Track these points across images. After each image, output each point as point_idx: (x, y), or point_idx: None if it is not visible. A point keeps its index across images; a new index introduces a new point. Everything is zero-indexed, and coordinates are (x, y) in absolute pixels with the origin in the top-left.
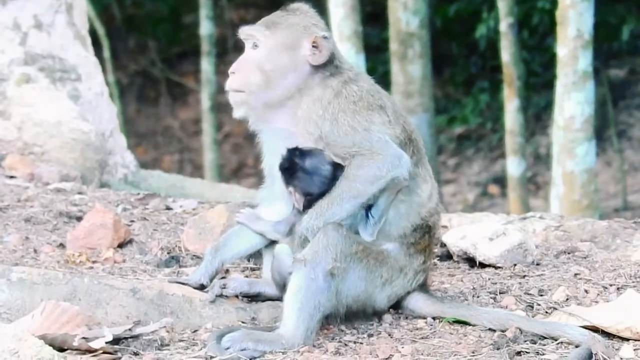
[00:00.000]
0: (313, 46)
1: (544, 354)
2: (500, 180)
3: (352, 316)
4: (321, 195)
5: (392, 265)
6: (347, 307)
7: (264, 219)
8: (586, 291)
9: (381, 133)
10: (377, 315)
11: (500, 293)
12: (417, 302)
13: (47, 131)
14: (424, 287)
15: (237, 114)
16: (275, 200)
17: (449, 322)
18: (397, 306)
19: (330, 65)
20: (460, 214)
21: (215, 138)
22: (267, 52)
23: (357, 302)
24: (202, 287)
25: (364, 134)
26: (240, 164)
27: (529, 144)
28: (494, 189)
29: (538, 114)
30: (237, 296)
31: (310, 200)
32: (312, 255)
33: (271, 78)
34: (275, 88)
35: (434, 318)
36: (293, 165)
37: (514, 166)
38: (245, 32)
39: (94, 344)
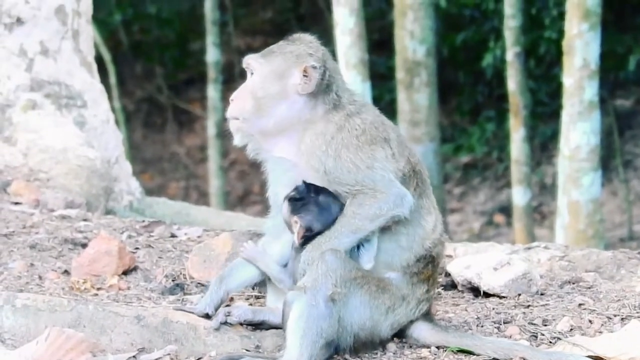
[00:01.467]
0: (304, 75)
1: None
2: (506, 210)
3: (357, 345)
4: (319, 233)
5: (394, 293)
6: (354, 336)
7: (268, 256)
8: (590, 321)
9: (384, 170)
10: (382, 344)
11: (504, 323)
12: (421, 331)
13: (52, 157)
14: (428, 316)
15: (235, 141)
16: (282, 231)
17: (453, 351)
18: (401, 335)
19: (330, 95)
20: (465, 243)
21: (221, 165)
22: (260, 80)
23: (362, 329)
24: (207, 317)
25: (366, 172)
26: (246, 191)
27: (535, 173)
28: (499, 218)
29: (544, 144)
30: (241, 324)
31: (308, 237)
32: (311, 282)
33: (262, 105)
34: (268, 116)
35: (438, 347)
36: (306, 196)
37: (519, 195)
38: (245, 61)
39: None
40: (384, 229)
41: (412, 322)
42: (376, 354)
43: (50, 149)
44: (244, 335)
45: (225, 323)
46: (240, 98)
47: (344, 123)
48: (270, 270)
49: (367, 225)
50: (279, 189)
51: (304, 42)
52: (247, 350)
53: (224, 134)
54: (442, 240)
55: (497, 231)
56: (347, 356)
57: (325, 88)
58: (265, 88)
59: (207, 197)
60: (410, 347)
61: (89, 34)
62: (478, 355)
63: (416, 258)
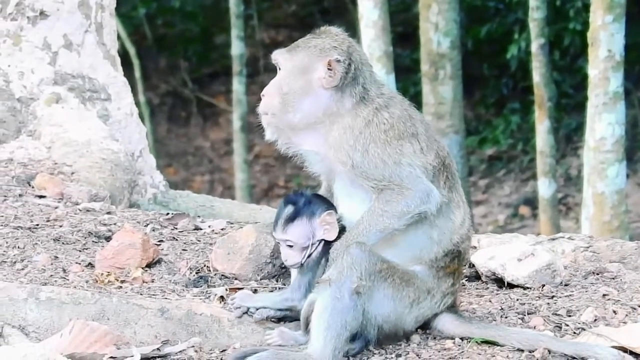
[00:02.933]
0: (328, 69)
1: None
2: (531, 202)
3: (381, 337)
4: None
5: (419, 287)
6: (378, 328)
7: (259, 294)
8: (614, 312)
9: (412, 166)
10: (406, 336)
11: (528, 314)
12: (445, 322)
13: (76, 151)
14: (452, 308)
15: (266, 136)
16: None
17: (477, 342)
18: (425, 326)
19: (357, 88)
20: (490, 234)
21: (246, 158)
22: (286, 75)
23: (386, 322)
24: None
25: (394, 168)
26: (271, 184)
27: (560, 165)
28: (524, 210)
29: (569, 135)
30: (264, 320)
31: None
32: (336, 275)
33: (288, 100)
34: (294, 111)
35: (462, 338)
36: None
37: (544, 187)
38: (273, 56)
39: None
40: (415, 222)
41: (436, 315)
42: (400, 345)
43: (74, 143)
44: (268, 327)
45: (249, 316)
46: (269, 94)
47: (372, 117)
48: (269, 303)
49: (395, 223)
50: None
51: (330, 35)
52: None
53: (249, 128)
54: (469, 235)
55: (522, 223)
56: (371, 348)
57: (351, 81)
58: (290, 83)
59: (232, 191)
60: (434, 338)
61: (112, 27)
62: (502, 346)
63: (444, 252)
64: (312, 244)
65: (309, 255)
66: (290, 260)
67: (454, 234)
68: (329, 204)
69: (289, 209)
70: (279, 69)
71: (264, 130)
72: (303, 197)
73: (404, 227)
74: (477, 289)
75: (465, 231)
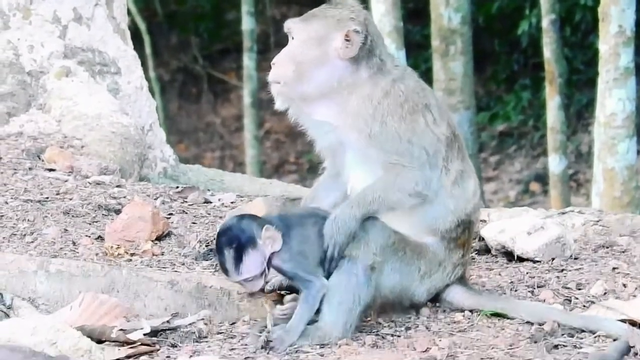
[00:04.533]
0: (346, 39)
1: (581, 347)
2: (542, 178)
3: (391, 309)
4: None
5: (430, 259)
6: (388, 300)
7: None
8: (624, 285)
9: (421, 149)
10: (415, 308)
11: (538, 287)
12: (455, 294)
13: (86, 124)
14: (462, 280)
15: (276, 105)
16: (336, 180)
17: (486, 315)
18: (434, 299)
19: (374, 60)
20: (500, 208)
21: (256, 135)
22: (300, 44)
23: (397, 295)
24: None
25: (406, 146)
26: (281, 160)
27: (571, 141)
28: (535, 186)
29: (580, 111)
30: (275, 290)
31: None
32: (353, 250)
33: (303, 70)
34: (309, 81)
35: (471, 311)
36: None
37: (555, 163)
38: (285, 25)
39: (132, 336)
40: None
41: (447, 286)
42: (409, 318)
43: (84, 116)
44: (278, 300)
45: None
46: (281, 62)
47: (389, 88)
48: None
49: (406, 201)
50: (320, 151)
51: (346, 6)
52: (281, 317)
53: (259, 104)
54: (480, 206)
55: (533, 199)
56: (380, 320)
57: (367, 53)
58: (305, 52)
59: (243, 167)
60: (444, 311)
61: (122, 1)
62: (512, 318)
63: (457, 222)
64: (266, 264)
65: (269, 269)
66: (255, 287)
67: (468, 203)
68: (257, 219)
69: (229, 252)
70: (292, 38)
71: (273, 100)
72: (232, 231)
73: (409, 207)
74: (486, 262)
75: (477, 201)
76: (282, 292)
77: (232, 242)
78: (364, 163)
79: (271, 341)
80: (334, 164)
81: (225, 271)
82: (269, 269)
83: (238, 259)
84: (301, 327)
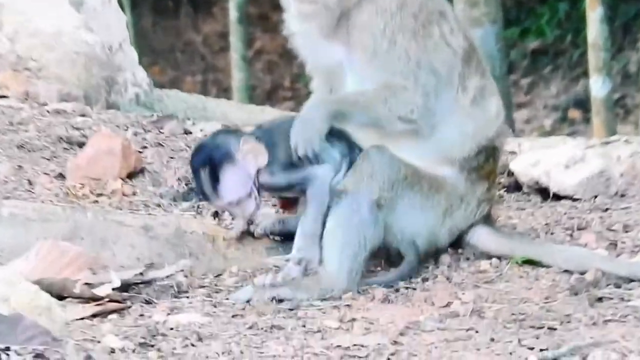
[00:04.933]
0: None
1: (629, 300)
2: (583, 103)
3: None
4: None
5: (450, 193)
6: (412, 245)
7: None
8: None
9: (430, 74)
10: (434, 254)
11: (578, 229)
12: (480, 236)
13: (44, 43)
14: (488, 220)
15: (294, 24)
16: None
17: (517, 263)
18: (456, 244)
19: None
20: (532, 138)
21: (244, 55)
22: None
23: (418, 237)
24: None
25: (413, 68)
26: (274, 85)
27: (616, 60)
28: (574, 113)
29: (627, 25)
30: (267, 235)
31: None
32: (354, 184)
33: None
34: None
35: (499, 258)
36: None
37: (597, 86)
38: None
39: (99, 291)
40: (445, 112)
41: (471, 226)
42: (427, 267)
43: (42, 33)
44: (271, 247)
45: (249, 234)
46: None
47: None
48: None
49: (390, 124)
50: (314, 58)
51: None
52: (275, 266)
53: (248, 19)
54: (504, 129)
55: (572, 129)
56: (392, 269)
57: None
58: None
59: (229, 93)
60: (467, 258)
61: None
62: (547, 267)
63: (478, 149)
64: (253, 183)
65: (259, 191)
66: (247, 212)
67: (489, 126)
68: (234, 133)
69: (204, 172)
70: None
71: (264, 14)
72: (205, 148)
73: (390, 133)
74: (517, 201)
75: (500, 123)
76: (276, 238)
77: (206, 161)
78: (363, 86)
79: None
80: (326, 87)
81: (204, 196)
82: (258, 189)
83: (215, 180)
84: (317, 230)
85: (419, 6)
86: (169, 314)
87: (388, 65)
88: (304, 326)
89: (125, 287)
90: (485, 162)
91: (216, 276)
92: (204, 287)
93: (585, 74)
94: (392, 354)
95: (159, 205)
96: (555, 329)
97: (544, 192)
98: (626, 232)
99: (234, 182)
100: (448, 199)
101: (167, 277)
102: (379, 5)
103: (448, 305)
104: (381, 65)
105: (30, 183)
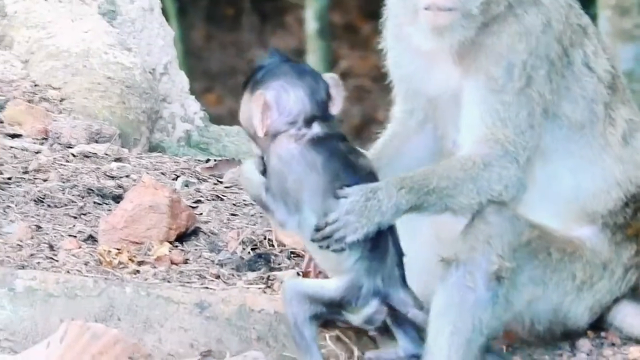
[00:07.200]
0: None
1: None
2: None
3: (533, 339)
4: None
5: (589, 261)
6: (521, 325)
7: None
8: None
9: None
10: (570, 337)
11: None
12: (625, 316)
13: (67, 66)
14: (637, 294)
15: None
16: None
17: None
18: (597, 324)
19: None
20: None
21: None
22: None
23: (544, 318)
24: None
25: (532, 122)
26: (365, 117)
27: None
28: None
29: None
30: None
31: None
32: (467, 252)
33: None
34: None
35: None
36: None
37: None
38: None
39: None
40: (577, 152)
41: (615, 301)
42: (561, 354)
43: (64, 53)
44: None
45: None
46: None
47: (549, 15)
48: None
49: (473, 206)
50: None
51: None
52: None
53: (330, 31)
54: None
55: None
56: (517, 358)
57: None
58: None
59: None
60: (613, 344)
61: None
62: None
63: (625, 200)
64: (256, 140)
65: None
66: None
67: (638, 169)
68: (287, 78)
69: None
70: None
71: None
72: (267, 64)
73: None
74: None
75: None
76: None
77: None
78: (461, 124)
79: None
80: (411, 119)
81: None
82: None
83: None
84: None
85: (564, 24)
86: None
87: (507, 110)
88: None
89: None
90: (633, 218)
91: None
92: None
93: None
94: None
95: (217, 277)
96: None
97: None
98: None
99: (242, 111)
100: (586, 268)
101: None
102: (524, 25)
103: None
104: (498, 108)
105: (51, 248)
